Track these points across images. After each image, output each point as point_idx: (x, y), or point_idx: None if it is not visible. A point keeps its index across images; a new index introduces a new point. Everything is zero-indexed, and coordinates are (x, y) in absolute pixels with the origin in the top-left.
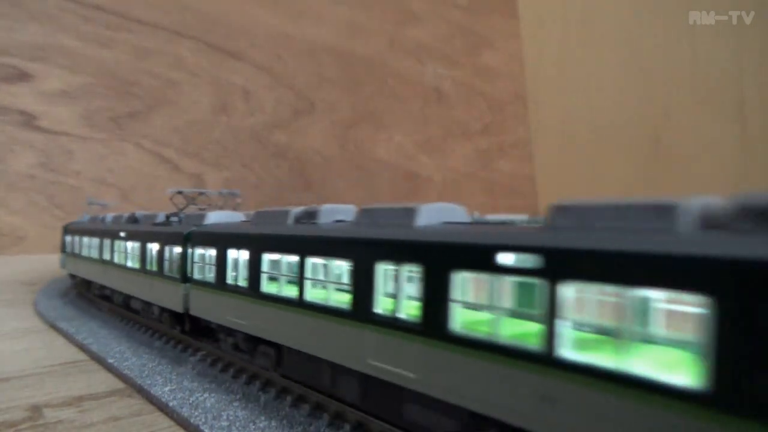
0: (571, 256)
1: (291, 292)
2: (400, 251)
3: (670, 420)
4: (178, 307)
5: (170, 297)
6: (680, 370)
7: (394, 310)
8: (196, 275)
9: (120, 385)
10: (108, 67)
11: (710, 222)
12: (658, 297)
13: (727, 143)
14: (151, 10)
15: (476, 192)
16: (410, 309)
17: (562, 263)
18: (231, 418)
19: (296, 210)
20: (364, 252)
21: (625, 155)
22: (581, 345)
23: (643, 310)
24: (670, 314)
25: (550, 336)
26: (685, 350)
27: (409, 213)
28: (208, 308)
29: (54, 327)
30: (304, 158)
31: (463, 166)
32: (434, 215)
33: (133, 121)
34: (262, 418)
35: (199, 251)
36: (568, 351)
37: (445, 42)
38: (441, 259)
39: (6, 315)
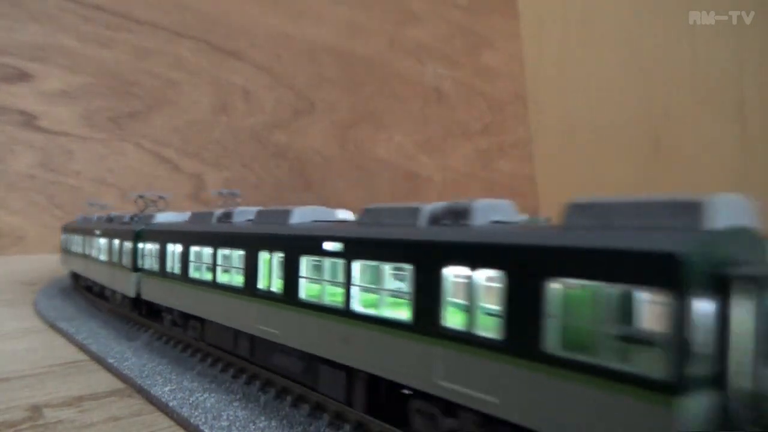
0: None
1: (208, 276)
2: (273, 241)
3: (401, 341)
4: (131, 293)
5: (124, 284)
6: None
7: (269, 287)
8: (146, 265)
9: (120, 385)
10: (108, 67)
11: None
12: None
13: (727, 143)
14: (151, 10)
15: (476, 192)
16: (278, 285)
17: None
18: (231, 418)
19: (218, 211)
20: (251, 243)
21: (626, 155)
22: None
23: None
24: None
25: (347, 297)
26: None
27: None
28: (153, 292)
29: (54, 327)
30: (304, 158)
31: (463, 166)
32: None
33: (133, 121)
34: (262, 418)
35: (147, 245)
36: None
37: (445, 42)
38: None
39: (6, 315)
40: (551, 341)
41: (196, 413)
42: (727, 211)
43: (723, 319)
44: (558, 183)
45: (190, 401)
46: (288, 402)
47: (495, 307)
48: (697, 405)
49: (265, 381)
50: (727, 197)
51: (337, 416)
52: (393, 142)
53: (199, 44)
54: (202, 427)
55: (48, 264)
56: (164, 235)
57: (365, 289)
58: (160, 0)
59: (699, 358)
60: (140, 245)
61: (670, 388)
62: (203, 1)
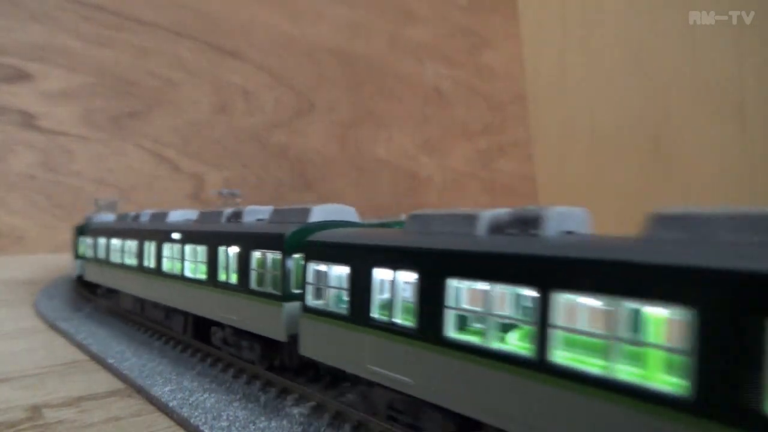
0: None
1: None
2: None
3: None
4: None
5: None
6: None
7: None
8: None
9: (120, 385)
10: (108, 67)
11: None
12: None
13: (727, 143)
14: (151, 10)
15: (476, 192)
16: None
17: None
18: (231, 418)
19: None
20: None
21: (626, 155)
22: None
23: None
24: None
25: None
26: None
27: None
28: (96, 275)
29: (54, 327)
30: (304, 158)
31: (463, 166)
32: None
33: (133, 121)
34: (262, 418)
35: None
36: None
37: (445, 42)
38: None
39: (6, 315)
40: None
41: (196, 413)
42: None
43: None
44: (558, 183)
45: (190, 401)
46: (288, 402)
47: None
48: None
49: (266, 381)
50: None
51: (337, 416)
52: (393, 142)
53: (199, 44)
54: (202, 427)
55: (48, 264)
56: (111, 232)
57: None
58: (160, 0)
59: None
60: (83, 238)
61: None
62: (203, 1)
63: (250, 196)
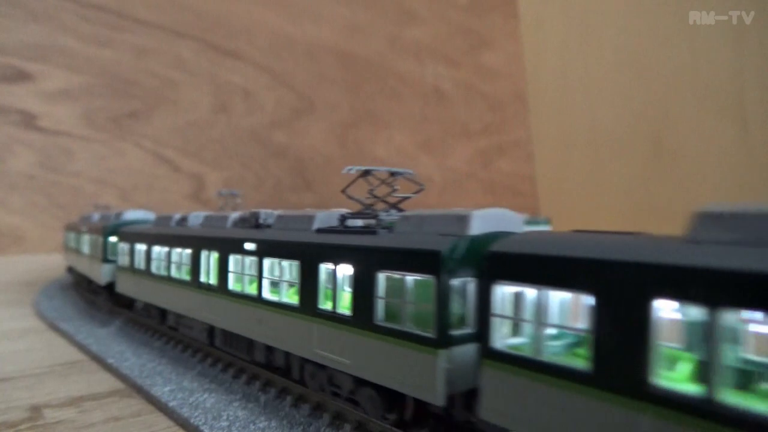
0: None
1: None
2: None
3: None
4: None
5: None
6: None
7: (278, 294)
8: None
9: (120, 385)
10: (108, 67)
11: None
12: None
13: (727, 143)
14: (151, 10)
15: (476, 192)
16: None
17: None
18: (231, 418)
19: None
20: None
21: (626, 155)
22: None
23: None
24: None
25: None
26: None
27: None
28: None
29: (54, 327)
30: (304, 158)
31: (463, 166)
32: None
33: (133, 121)
34: (262, 418)
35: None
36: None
37: (445, 42)
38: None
39: (6, 315)
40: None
41: (196, 413)
42: None
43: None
44: (558, 183)
45: (190, 401)
46: (288, 402)
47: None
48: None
49: (266, 381)
50: None
51: (337, 416)
52: (393, 142)
53: (199, 44)
54: (202, 428)
55: (48, 264)
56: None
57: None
58: (160, 0)
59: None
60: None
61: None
62: (203, 1)
63: (250, 196)
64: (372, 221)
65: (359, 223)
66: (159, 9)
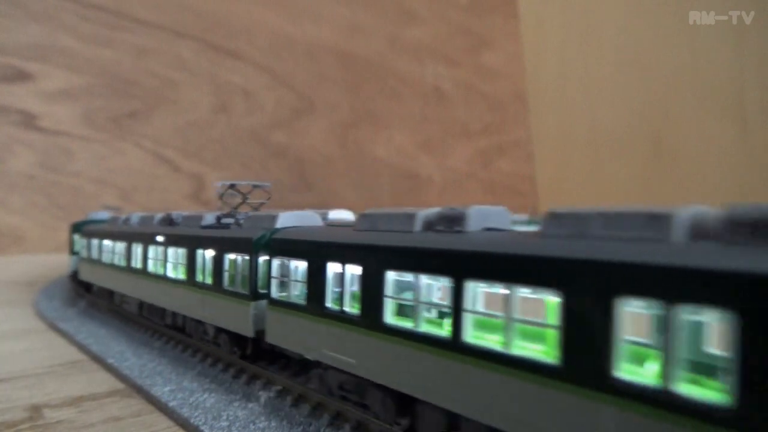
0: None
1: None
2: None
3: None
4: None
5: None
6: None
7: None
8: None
9: (120, 385)
10: (108, 67)
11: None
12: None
13: (727, 143)
14: (151, 10)
15: (476, 192)
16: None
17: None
18: (231, 418)
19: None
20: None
21: (626, 155)
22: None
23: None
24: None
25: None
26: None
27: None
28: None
29: (54, 327)
30: (304, 158)
31: (463, 166)
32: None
33: (133, 121)
34: (262, 418)
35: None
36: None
37: (445, 42)
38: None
39: (6, 315)
40: None
41: (196, 413)
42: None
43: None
44: (558, 183)
45: (190, 401)
46: (288, 402)
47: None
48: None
49: (266, 381)
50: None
51: (337, 416)
52: (393, 142)
53: (199, 44)
54: (202, 428)
55: (48, 264)
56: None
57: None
58: (160, 0)
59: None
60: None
61: None
62: (203, 1)
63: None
64: (231, 220)
65: (226, 221)
66: (159, 9)
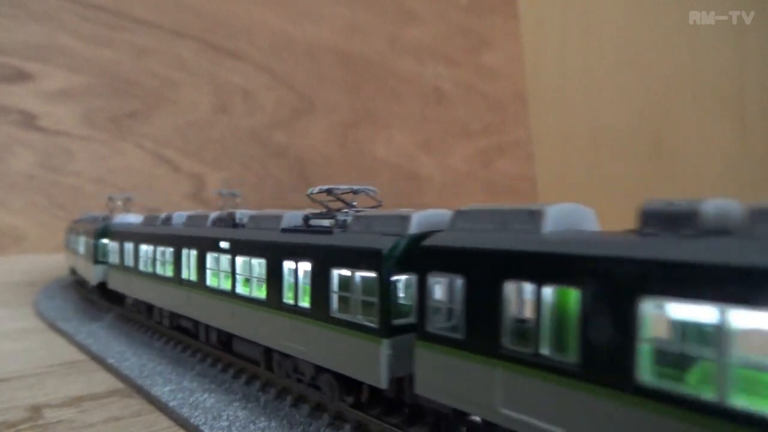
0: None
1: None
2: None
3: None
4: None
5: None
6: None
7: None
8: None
9: (120, 385)
10: (108, 67)
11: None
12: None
13: (727, 143)
14: (151, 10)
15: (476, 192)
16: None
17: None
18: (231, 418)
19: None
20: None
21: (626, 155)
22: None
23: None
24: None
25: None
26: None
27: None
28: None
29: (54, 327)
30: (304, 158)
31: (463, 166)
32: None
33: (133, 121)
34: (262, 418)
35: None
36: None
37: (445, 42)
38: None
39: (6, 315)
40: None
41: (196, 413)
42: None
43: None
44: (558, 183)
45: (190, 401)
46: (288, 402)
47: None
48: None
49: (265, 381)
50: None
51: (337, 416)
52: (393, 142)
53: (199, 44)
54: (202, 427)
55: (48, 264)
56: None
57: None
58: (160, 0)
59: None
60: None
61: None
62: (203, 1)
63: (249, 196)
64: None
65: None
66: (159, 9)
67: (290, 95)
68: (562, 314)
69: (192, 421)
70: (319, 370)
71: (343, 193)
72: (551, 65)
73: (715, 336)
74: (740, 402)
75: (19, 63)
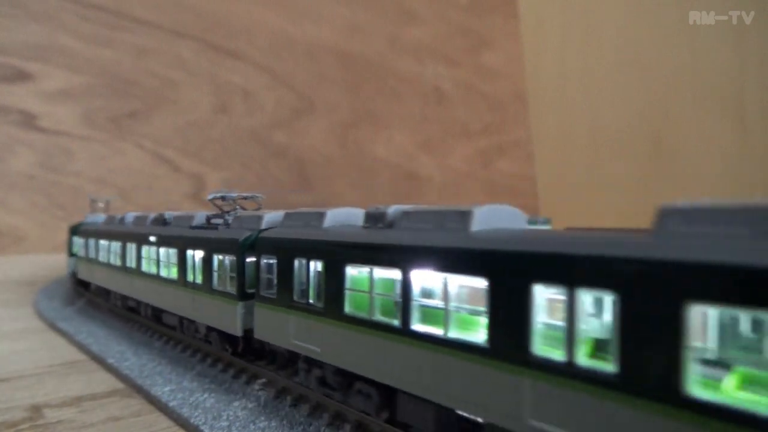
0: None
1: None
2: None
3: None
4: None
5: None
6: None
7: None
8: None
9: (120, 385)
10: (108, 67)
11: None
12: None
13: (727, 143)
14: (151, 10)
15: (476, 192)
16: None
17: None
18: (231, 418)
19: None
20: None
21: (626, 155)
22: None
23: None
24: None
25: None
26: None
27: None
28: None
29: (54, 327)
30: (304, 158)
31: (463, 166)
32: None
33: (133, 121)
34: (262, 418)
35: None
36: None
37: (445, 42)
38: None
39: (6, 315)
40: None
41: (196, 413)
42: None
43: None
44: (558, 183)
45: (190, 401)
46: (288, 402)
47: None
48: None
49: (266, 381)
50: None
51: (337, 416)
52: (393, 142)
53: (199, 44)
54: (202, 427)
55: (48, 264)
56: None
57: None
58: (160, 0)
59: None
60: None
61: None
62: (203, 1)
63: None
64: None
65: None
66: (159, 9)
67: (290, 95)
68: (327, 281)
69: (192, 421)
70: (209, 329)
71: (236, 199)
72: (551, 65)
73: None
74: None
75: (19, 63)
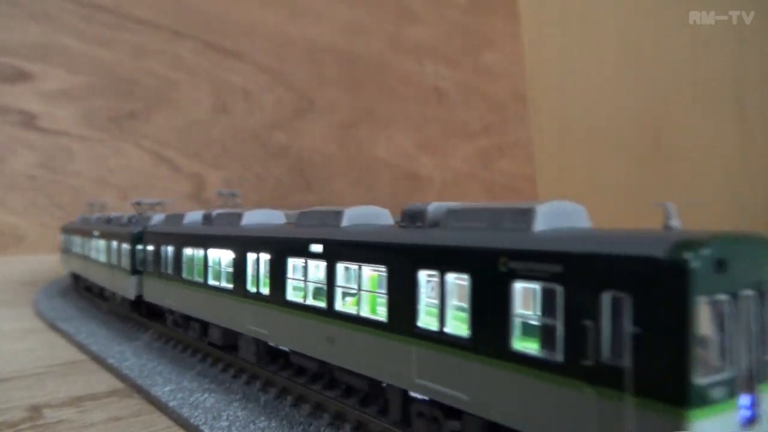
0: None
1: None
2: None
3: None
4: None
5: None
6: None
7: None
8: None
9: (120, 385)
10: (108, 67)
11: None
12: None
13: (727, 143)
14: (151, 10)
15: (476, 192)
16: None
17: None
18: (231, 418)
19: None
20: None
21: (626, 155)
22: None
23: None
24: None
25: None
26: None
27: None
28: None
29: (54, 327)
30: (304, 158)
31: (463, 166)
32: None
33: (133, 121)
34: (262, 418)
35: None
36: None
37: (445, 42)
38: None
39: (6, 315)
40: None
41: (196, 413)
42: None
43: None
44: (558, 183)
45: (190, 401)
46: (288, 402)
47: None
48: None
49: (266, 381)
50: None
51: (337, 416)
52: (393, 142)
53: (199, 44)
54: (202, 427)
55: (48, 264)
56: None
57: None
58: (160, 0)
59: None
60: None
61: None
62: (203, 1)
63: (249, 196)
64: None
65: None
66: (159, 9)
67: (290, 95)
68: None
69: (192, 421)
70: (123, 299)
71: (150, 206)
72: (551, 65)
73: None
74: None
75: (19, 63)
